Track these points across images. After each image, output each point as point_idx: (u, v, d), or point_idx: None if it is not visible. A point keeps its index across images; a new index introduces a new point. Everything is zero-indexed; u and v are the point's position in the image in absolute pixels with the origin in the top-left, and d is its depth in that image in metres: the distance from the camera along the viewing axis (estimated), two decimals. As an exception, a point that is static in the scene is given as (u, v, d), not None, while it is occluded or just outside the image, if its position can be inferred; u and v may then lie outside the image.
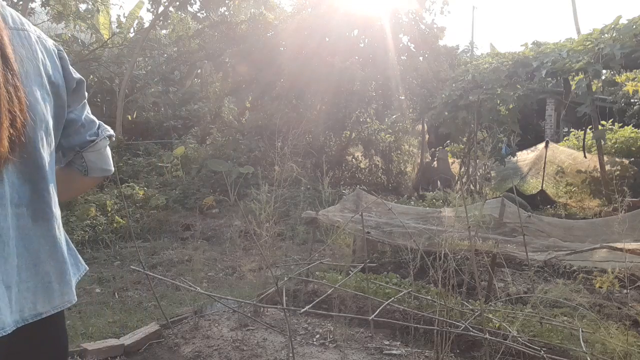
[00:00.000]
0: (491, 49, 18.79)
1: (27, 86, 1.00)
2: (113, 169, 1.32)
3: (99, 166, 1.26)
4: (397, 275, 4.50)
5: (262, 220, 3.80)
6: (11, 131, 0.92)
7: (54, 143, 1.12)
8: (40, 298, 1.04)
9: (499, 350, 2.65)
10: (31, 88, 1.02)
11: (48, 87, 1.08)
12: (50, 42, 1.13)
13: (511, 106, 8.80)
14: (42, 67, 1.06)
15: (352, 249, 5.24)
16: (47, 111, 1.07)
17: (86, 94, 1.26)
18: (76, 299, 1.14)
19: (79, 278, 1.21)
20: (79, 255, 1.24)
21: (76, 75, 1.19)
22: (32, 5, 12.37)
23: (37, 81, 1.05)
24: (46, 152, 1.08)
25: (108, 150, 1.29)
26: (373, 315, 2.76)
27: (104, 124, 1.29)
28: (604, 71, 9.33)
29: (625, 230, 3.15)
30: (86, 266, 1.26)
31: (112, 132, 1.30)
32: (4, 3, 1.06)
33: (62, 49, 1.18)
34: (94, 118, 1.27)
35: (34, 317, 1.02)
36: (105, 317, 4.10)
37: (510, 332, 2.78)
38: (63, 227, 1.22)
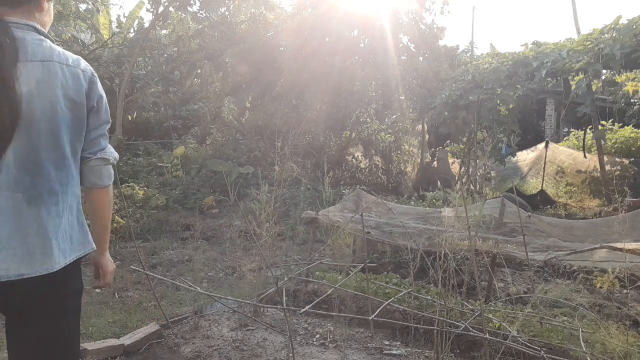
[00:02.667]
0: (491, 49, 18.80)
1: (47, 96, 1.34)
2: (106, 183, 1.60)
3: (90, 179, 1.56)
4: (397, 275, 4.49)
5: (262, 220, 3.80)
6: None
7: (66, 150, 1.40)
8: (25, 264, 1.33)
9: (499, 350, 2.65)
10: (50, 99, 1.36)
11: (68, 102, 1.39)
12: (82, 68, 1.46)
13: (511, 106, 8.80)
14: (59, 86, 1.37)
15: (352, 249, 5.25)
16: (58, 124, 1.36)
17: (107, 118, 1.57)
18: (56, 268, 1.38)
19: (83, 254, 1.52)
20: (90, 236, 1.56)
21: (97, 94, 1.50)
22: (32, 5, 12.35)
23: (57, 94, 1.37)
24: (51, 155, 1.36)
25: (104, 169, 1.57)
26: (373, 315, 2.75)
27: (109, 149, 1.58)
28: (604, 71, 9.34)
29: (625, 230, 3.15)
30: (94, 245, 1.57)
31: (109, 156, 1.57)
32: (47, 44, 1.40)
33: (95, 74, 1.52)
34: (102, 142, 1.56)
35: (17, 276, 1.32)
36: (105, 317, 4.09)
37: (510, 332, 2.78)
38: None
